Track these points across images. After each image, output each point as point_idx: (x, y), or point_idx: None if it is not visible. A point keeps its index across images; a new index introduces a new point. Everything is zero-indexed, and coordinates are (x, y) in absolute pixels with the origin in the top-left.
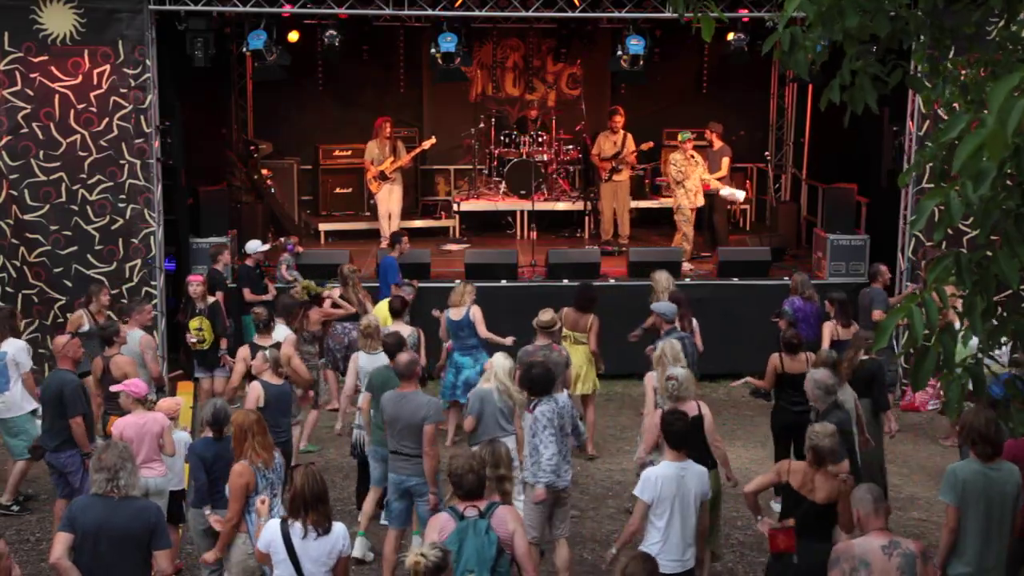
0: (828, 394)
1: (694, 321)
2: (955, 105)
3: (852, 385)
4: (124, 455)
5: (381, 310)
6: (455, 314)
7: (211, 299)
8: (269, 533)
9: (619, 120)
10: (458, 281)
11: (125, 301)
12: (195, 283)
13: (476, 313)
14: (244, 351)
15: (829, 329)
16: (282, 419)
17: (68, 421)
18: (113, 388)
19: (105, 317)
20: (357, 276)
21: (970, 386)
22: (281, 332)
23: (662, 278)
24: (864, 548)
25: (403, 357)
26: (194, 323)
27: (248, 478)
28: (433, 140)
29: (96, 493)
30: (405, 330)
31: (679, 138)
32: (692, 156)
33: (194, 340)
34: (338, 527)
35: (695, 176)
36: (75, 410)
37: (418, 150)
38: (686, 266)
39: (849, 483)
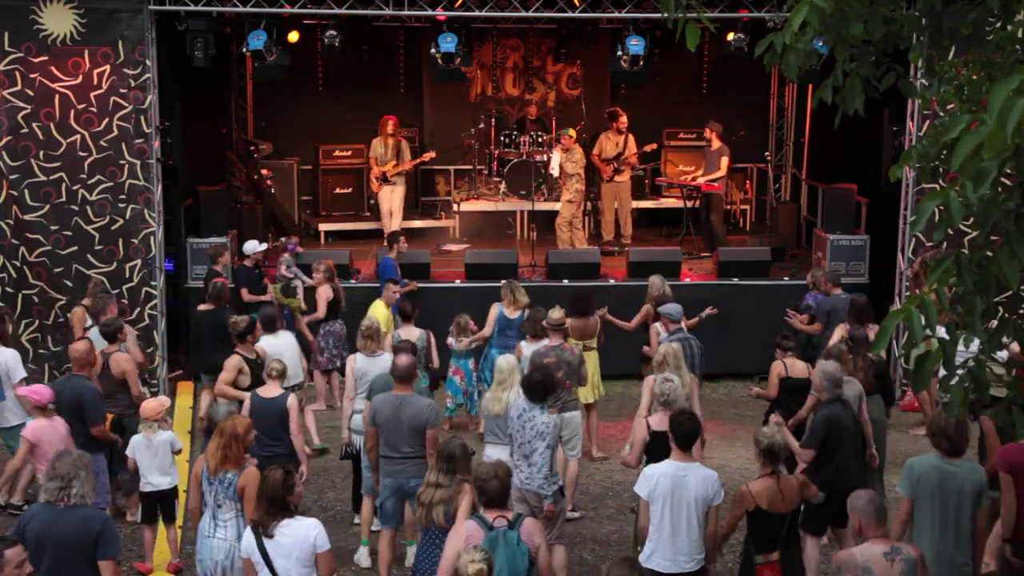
0: (835, 387)
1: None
2: (951, 105)
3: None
4: (78, 463)
5: (377, 310)
6: (512, 312)
7: None
8: (247, 538)
9: (624, 121)
10: (511, 281)
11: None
12: None
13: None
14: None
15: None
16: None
17: (89, 427)
18: (21, 391)
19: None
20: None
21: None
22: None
23: (656, 282)
24: (866, 556)
25: (403, 359)
26: None
27: (197, 472)
28: (433, 154)
29: (47, 501)
30: (415, 332)
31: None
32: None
33: None
34: (304, 523)
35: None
36: (98, 419)
37: (418, 160)
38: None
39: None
